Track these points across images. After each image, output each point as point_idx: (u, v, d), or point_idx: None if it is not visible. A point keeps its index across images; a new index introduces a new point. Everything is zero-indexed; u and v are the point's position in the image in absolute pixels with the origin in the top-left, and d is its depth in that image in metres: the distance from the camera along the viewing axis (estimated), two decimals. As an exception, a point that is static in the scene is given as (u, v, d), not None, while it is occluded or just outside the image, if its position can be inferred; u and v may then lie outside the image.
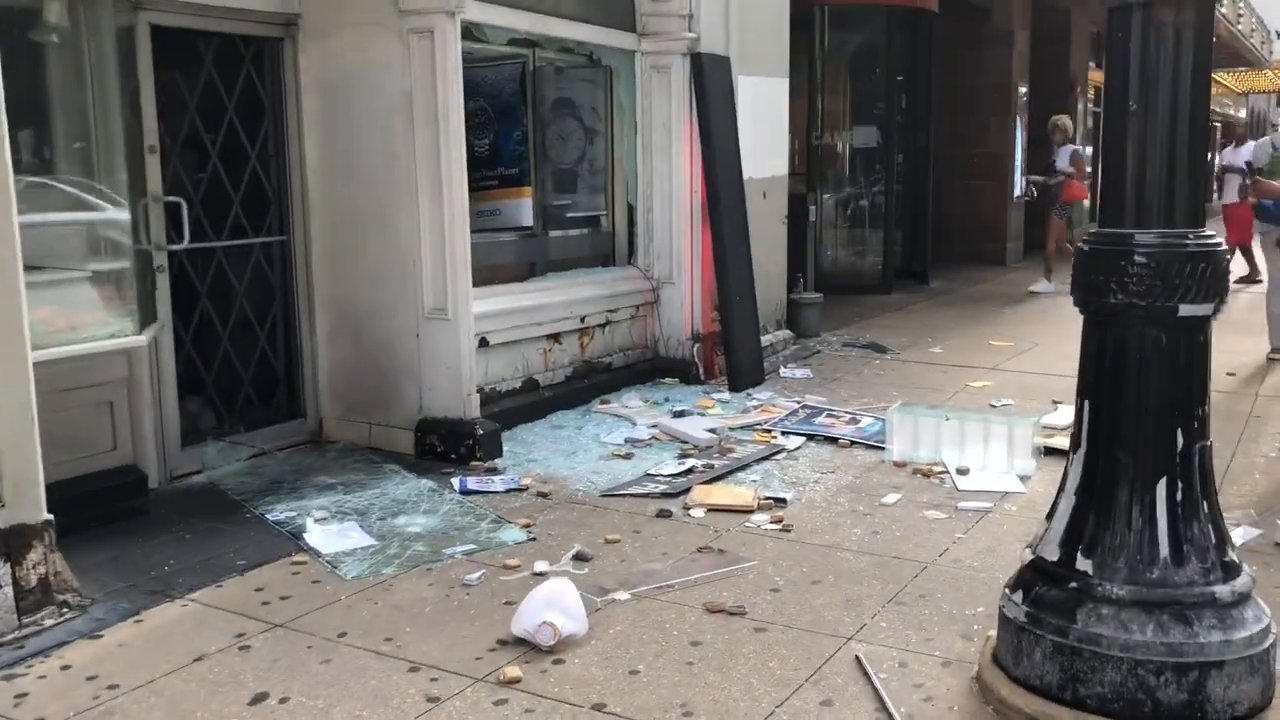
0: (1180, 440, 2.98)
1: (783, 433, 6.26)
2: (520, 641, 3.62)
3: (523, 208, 7.07)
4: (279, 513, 4.93)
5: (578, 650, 3.58)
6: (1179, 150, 2.93)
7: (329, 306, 6.04)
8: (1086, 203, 12.71)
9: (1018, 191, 15.88)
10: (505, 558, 4.39)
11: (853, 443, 6.10)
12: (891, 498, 5.16)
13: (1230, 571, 3.00)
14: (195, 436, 5.65)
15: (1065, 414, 6.71)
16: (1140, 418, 2.98)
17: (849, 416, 6.58)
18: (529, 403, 6.53)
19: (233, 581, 4.20)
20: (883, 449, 5.92)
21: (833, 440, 6.15)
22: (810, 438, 6.20)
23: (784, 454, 5.90)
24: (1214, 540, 3.00)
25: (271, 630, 3.79)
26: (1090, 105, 19.04)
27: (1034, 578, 3.16)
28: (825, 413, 6.66)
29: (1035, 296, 12.24)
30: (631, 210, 7.73)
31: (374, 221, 5.80)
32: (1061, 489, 3.20)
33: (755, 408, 6.88)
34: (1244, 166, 10.92)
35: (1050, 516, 3.23)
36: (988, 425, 5.67)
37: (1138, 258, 2.92)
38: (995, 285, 13.40)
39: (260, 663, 3.55)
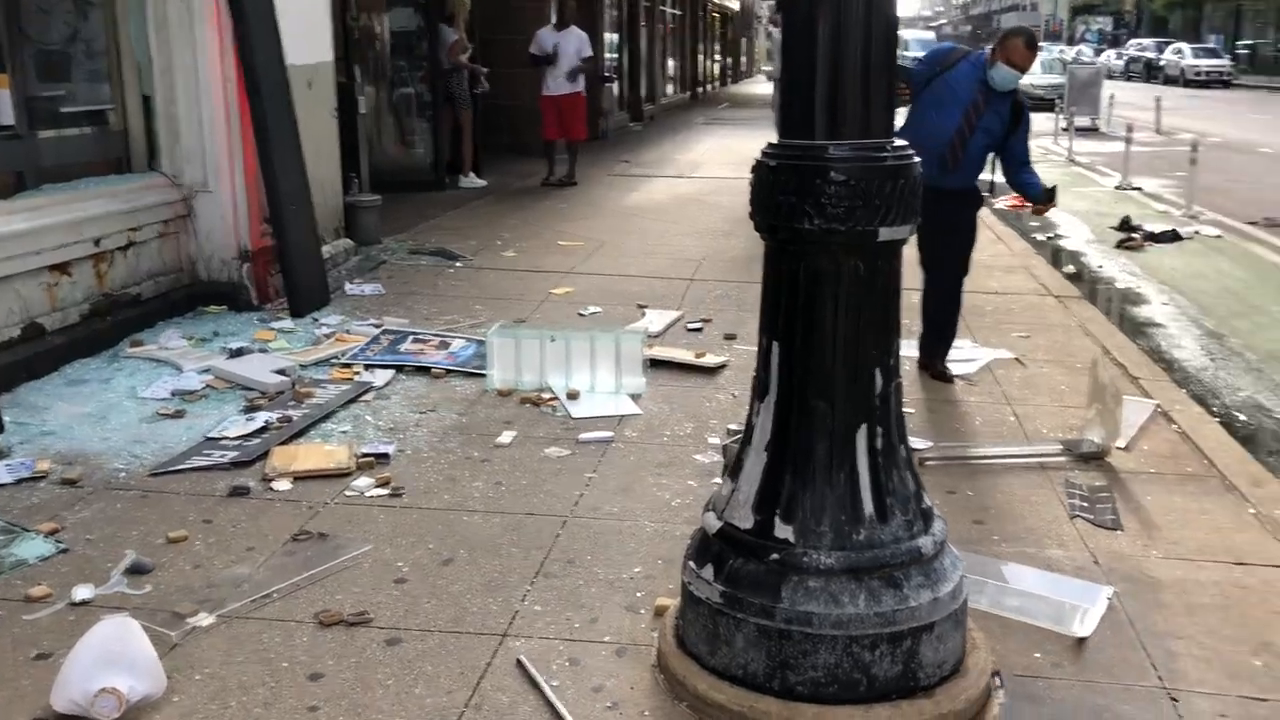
0: (879, 381, 2.63)
1: (366, 366, 5.43)
2: (65, 718, 2.62)
3: (-2, 101, 5.47)
4: None
5: (156, 717, 2.66)
6: (875, 45, 2.50)
7: None
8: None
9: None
10: (26, 585, 3.27)
11: (448, 371, 5.42)
12: (506, 436, 4.58)
13: (928, 519, 2.74)
14: None
15: (655, 318, 6.50)
16: (839, 359, 2.59)
17: (437, 340, 5.88)
18: (34, 354, 5.13)
19: None
20: (483, 376, 5.31)
21: (425, 370, 5.43)
22: (399, 369, 5.43)
23: (373, 393, 5.09)
24: (913, 488, 2.72)
25: None
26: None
27: (725, 550, 2.71)
28: (410, 337, 5.90)
29: (582, 189, 12.10)
30: (148, 102, 6.33)
31: None
32: (747, 444, 2.77)
33: (327, 337, 5.95)
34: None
35: (734, 474, 2.79)
36: (593, 343, 5.23)
37: (835, 175, 2.48)
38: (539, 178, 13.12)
39: None
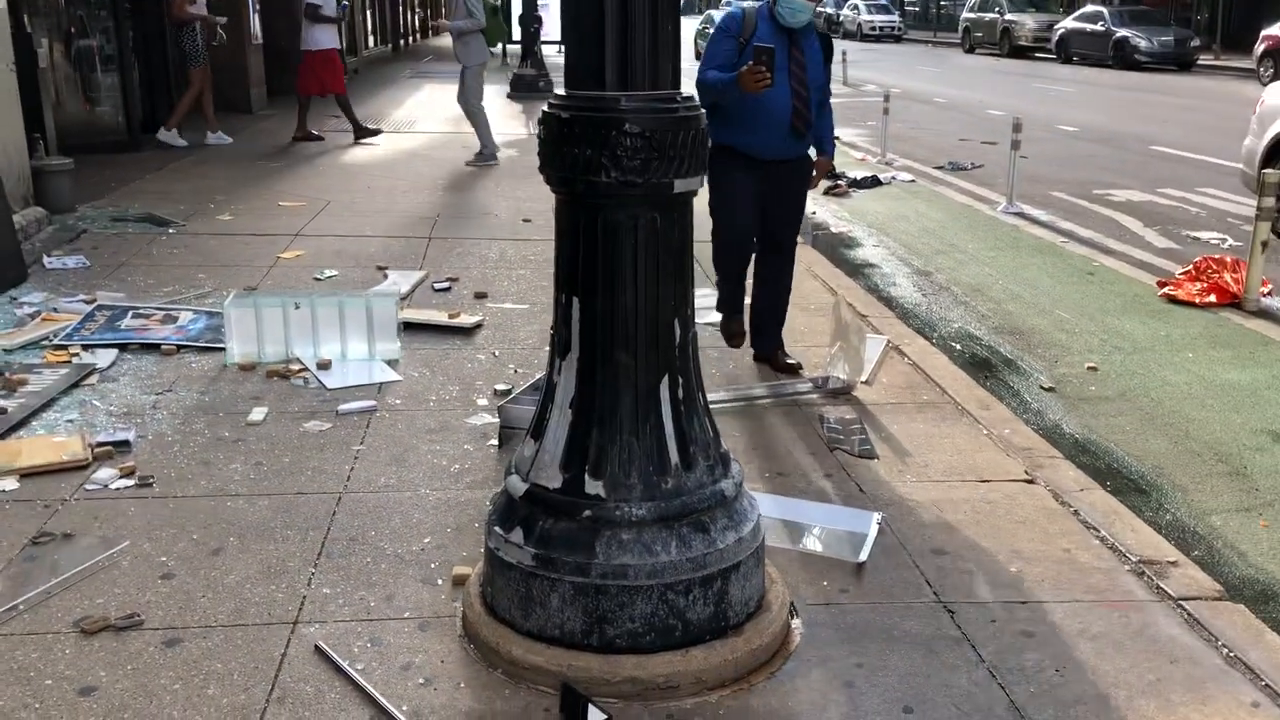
0: (678, 331, 2.66)
1: (85, 346, 4.93)
2: None
3: None
4: None
5: (-101, 762, 2.33)
6: (663, -7, 2.49)
7: None
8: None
9: (257, 34, 14.77)
10: None
11: (180, 347, 5.02)
12: (258, 413, 4.30)
13: (726, 462, 2.81)
14: None
15: (399, 279, 6.29)
16: (640, 312, 2.59)
17: (162, 314, 5.42)
18: None
19: None
20: (220, 350, 4.95)
21: (154, 348, 5.00)
22: (123, 348, 4.97)
23: (97, 375, 4.64)
24: (711, 434, 2.78)
25: None
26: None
27: (534, 511, 2.67)
28: (130, 312, 5.40)
29: (296, 147, 11.50)
30: None
31: None
32: (549, 402, 2.73)
33: (31, 317, 5.35)
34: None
35: (538, 435, 2.74)
36: (342, 308, 4.99)
37: (630, 127, 2.46)
38: (252, 136, 12.34)
39: None
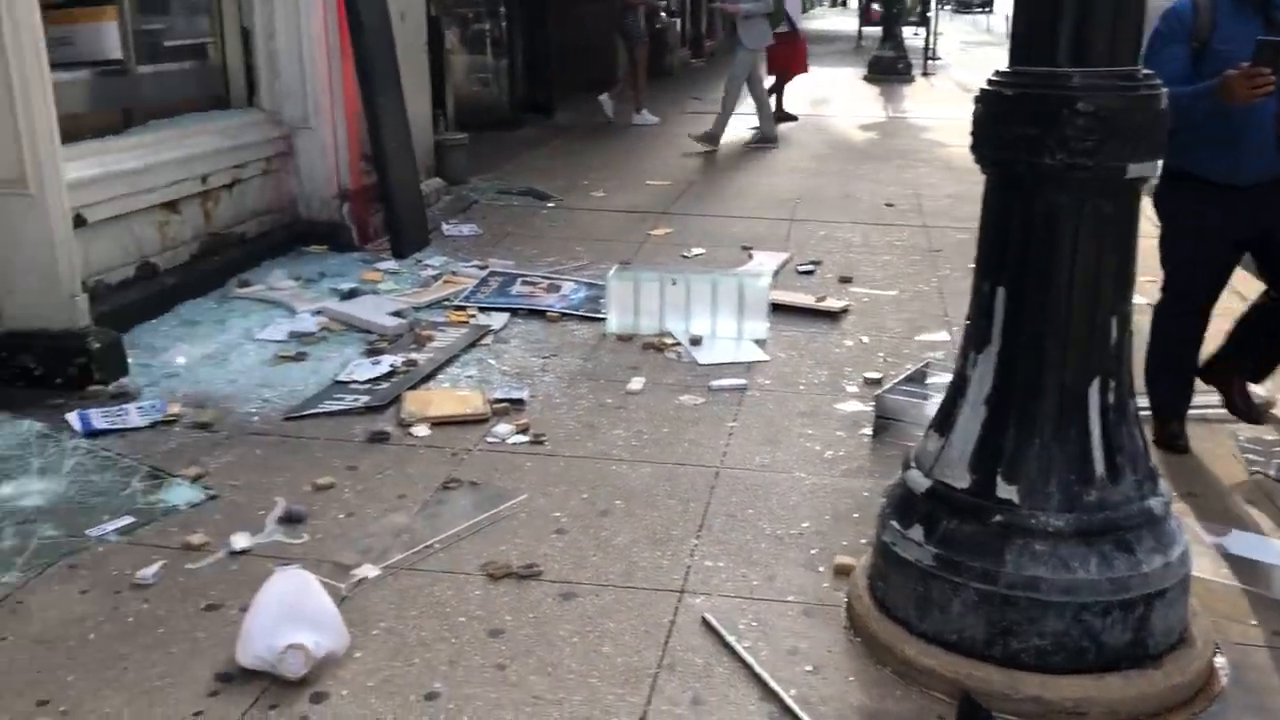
0: (1114, 331, 2.44)
1: (480, 309, 5.30)
2: (251, 673, 2.53)
3: (104, 34, 5.33)
4: None
5: (341, 675, 2.56)
6: (1130, -39, 2.27)
7: None
8: None
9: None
10: (182, 532, 3.18)
11: (563, 314, 5.27)
12: (637, 383, 4.43)
13: (1155, 479, 2.55)
14: None
15: (764, 260, 6.30)
16: (1075, 307, 2.40)
17: (546, 283, 5.73)
18: (148, 294, 5.04)
19: None
20: (599, 320, 5.16)
21: (539, 314, 5.28)
22: (513, 312, 5.29)
23: (491, 336, 4.96)
24: (1141, 445, 2.54)
25: None
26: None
27: (936, 509, 2.55)
28: (519, 279, 5.75)
29: (658, 127, 11.84)
30: (248, 37, 6.16)
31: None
32: (960, 396, 2.59)
33: (435, 279, 5.82)
34: None
35: (944, 430, 2.61)
36: (716, 286, 5.06)
37: (1082, 106, 2.27)
38: (620, 117, 12.83)
39: None
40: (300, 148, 6.24)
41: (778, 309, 5.32)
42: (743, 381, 4.47)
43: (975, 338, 2.56)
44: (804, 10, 11.55)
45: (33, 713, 2.42)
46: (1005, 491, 2.47)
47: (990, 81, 2.44)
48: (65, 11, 5.09)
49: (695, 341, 4.89)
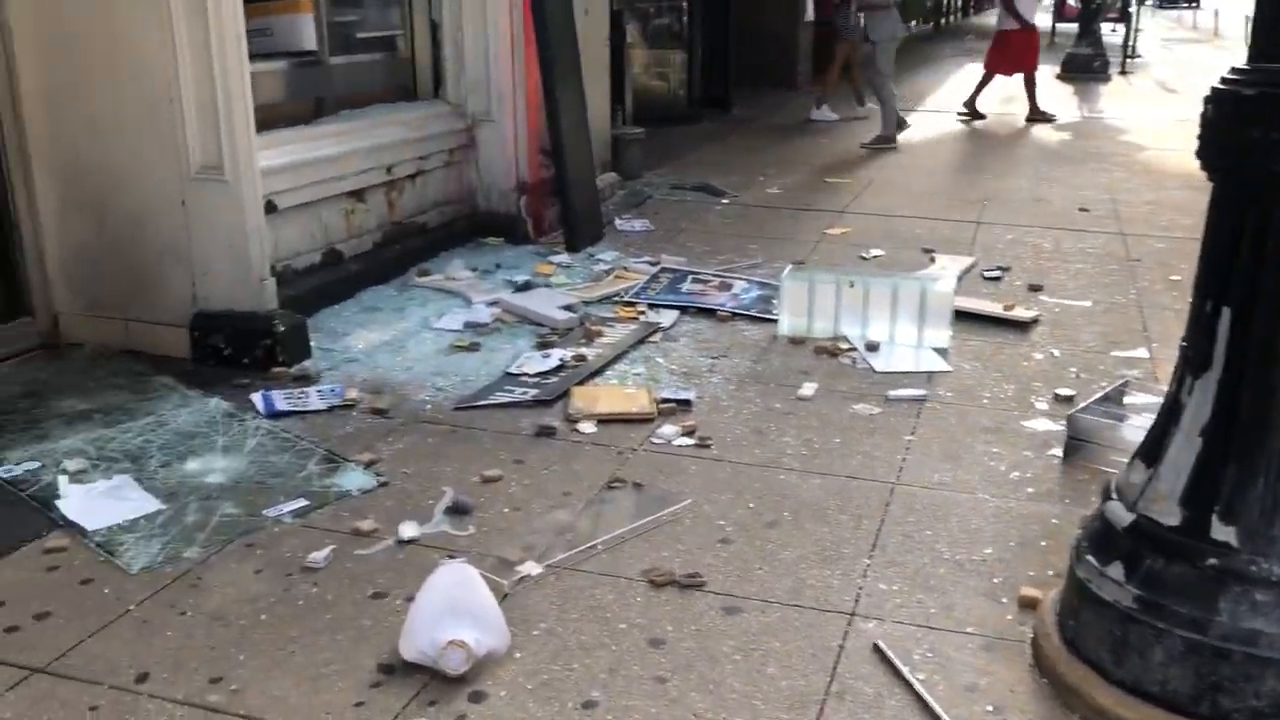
0: (1358, 362, 2.17)
1: (650, 305, 5.25)
2: (413, 667, 2.53)
3: (301, 25, 5.52)
4: (14, 466, 3.52)
5: (500, 675, 2.53)
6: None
7: (55, 168, 4.43)
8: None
9: (809, 14, 15.05)
10: (353, 517, 3.23)
11: (734, 314, 5.16)
12: (808, 388, 4.29)
13: (1399, 529, 2.27)
14: None
15: (946, 264, 6.03)
16: (1314, 334, 2.15)
17: (718, 281, 5.63)
18: (332, 280, 5.19)
19: (-49, 594, 2.86)
20: (770, 321, 5.03)
21: (709, 313, 5.19)
22: (683, 310, 5.22)
23: (660, 334, 4.90)
24: (1383, 491, 2.26)
25: (25, 682, 2.52)
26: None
27: (1139, 546, 2.34)
28: (690, 277, 5.67)
29: (838, 125, 11.54)
30: (436, 30, 6.28)
31: (104, 41, 4.20)
32: (1173, 424, 2.36)
33: (606, 273, 5.80)
34: None
35: (1151, 460, 2.39)
36: (896, 291, 4.85)
37: (1334, 108, 2.02)
38: (798, 111, 12.62)
39: (13, 750, 2.32)
40: (482, 140, 6.32)
41: (961, 316, 5.06)
42: (922, 392, 4.27)
43: (1193, 361, 2.32)
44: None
45: (206, 689, 2.48)
46: (1221, 533, 2.23)
47: (1225, 79, 2.21)
48: (264, 4, 5.28)
49: (872, 348, 4.71)
